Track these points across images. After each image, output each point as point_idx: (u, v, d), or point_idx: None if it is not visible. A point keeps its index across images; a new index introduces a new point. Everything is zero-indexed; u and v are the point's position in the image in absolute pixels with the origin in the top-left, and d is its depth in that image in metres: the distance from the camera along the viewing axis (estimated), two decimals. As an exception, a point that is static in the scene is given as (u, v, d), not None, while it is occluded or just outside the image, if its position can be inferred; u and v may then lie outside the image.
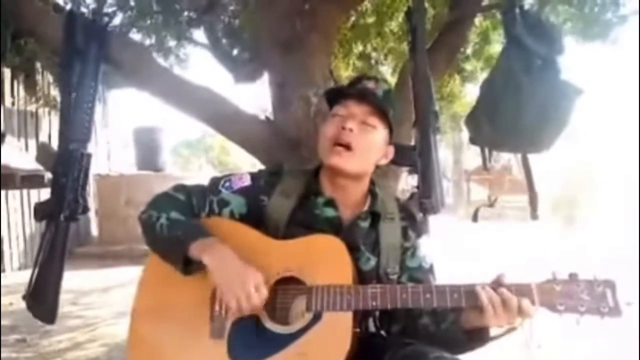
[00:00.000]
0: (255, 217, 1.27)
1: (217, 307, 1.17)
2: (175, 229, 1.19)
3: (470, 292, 1.09)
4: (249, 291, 1.09)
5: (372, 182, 1.33)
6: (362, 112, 1.25)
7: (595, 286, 1.06)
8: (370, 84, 1.28)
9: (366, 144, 1.24)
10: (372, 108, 1.25)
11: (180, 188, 1.31)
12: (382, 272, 1.26)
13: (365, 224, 1.27)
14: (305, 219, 1.25)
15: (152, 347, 1.20)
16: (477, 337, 1.13)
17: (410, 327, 1.24)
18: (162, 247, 1.22)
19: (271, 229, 1.25)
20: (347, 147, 1.22)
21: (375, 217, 1.29)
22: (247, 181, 1.31)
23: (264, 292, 1.11)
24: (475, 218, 2.30)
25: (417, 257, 1.31)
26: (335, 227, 1.25)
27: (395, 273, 1.27)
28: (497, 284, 1.08)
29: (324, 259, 1.17)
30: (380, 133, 1.27)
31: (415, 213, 1.35)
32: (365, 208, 1.30)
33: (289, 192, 1.28)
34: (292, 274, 1.17)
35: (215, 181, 1.32)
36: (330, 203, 1.27)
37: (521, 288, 1.07)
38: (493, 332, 1.14)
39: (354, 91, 1.28)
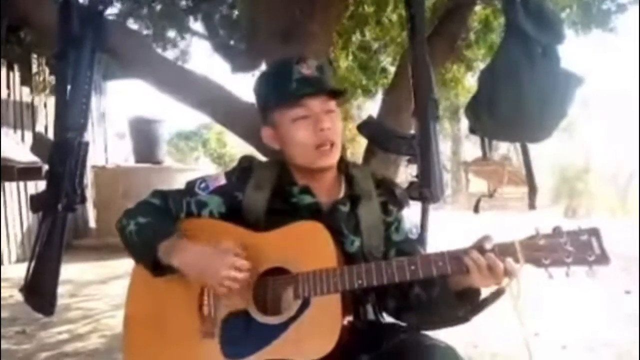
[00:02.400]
0: (235, 215, 1.27)
1: (205, 309, 1.17)
2: (142, 232, 1.19)
3: (454, 259, 1.07)
4: (229, 273, 1.09)
5: (345, 164, 1.32)
6: (320, 102, 1.22)
7: (580, 236, 1.03)
8: (305, 70, 1.23)
9: (339, 132, 1.25)
10: (327, 94, 1.23)
11: (156, 193, 1.31)
12: (367, 252, 1.25)
13: (345, 208, 1.27)
14: (284, 209, 1.25)
15: (146, 352, 1.21)
16: (468, 297, 1.12)
17: (404, 300, 1.23)
18: (134, 252, 1.23)
19: (251, 223, 1.25)
20: (332, 144, 1.22)
21: (354, 199, 1.28)
22: (222, 180, 1.30)
23: (245, 265, 1.11)
24: (476, 209, 2.29)
25: (402, 229, 1.30)
26: (314, 213, 1.24)
27: (380, 251, 1.26)
28: (480, 246, 1.07)
29: (307, 246, 1.17)
30: (338, 110, 1.27)
31: (393, 187, 1.33)
32: (342, 191, 1.30)
33: (262, 184, 1.27)
34: (278, 264, 1.17)
35: (191, 183, 1.32)
36: (306, 190, 1.26)
37: (504, 247, 1.06)
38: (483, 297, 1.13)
39: (305, 89, 1.22)
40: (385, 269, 1.10)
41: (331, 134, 1.21)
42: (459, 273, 1.08)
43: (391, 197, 1.31)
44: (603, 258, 1.02)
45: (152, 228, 1.20)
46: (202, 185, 1.30)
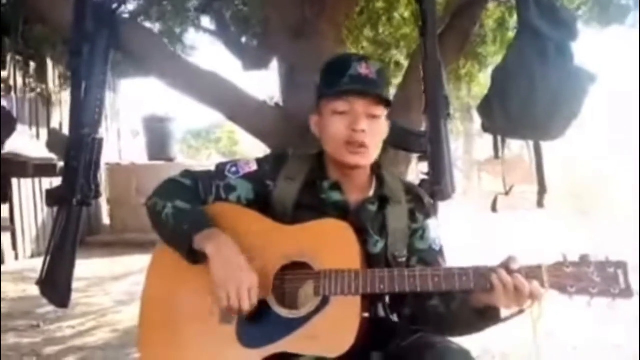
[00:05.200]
0: (262, 203, 1.27)
1: None
2: (180, 219, 1.18)
3: (479, 275, 1.07)
4: (241, 293, 1.09)
5: (378, 166, 1.31)
6: (365, 104, 1.20)
7: (607, 267, 1.03)
8: (364, 69, 1.20)
9: (377, 137, 1.24)
10: (374, 98, 1.22)
11: (186, 174, 1.31)
12: (390, 256, 1.25)
13: (373, 208, 1.27)
14: (312, 203, 1.25)
15: (162, 334, 1.21)
16: (488, 315, 1.12)
17: (420, 309, 1.23)
18: (168, 236, 1.23)
19: (279, 213, 1.25)
20: (362, 145, 1.21)
21: (383, 200, 1.28)
22: (253, 166, 1.30)
23: (255, 299, 1.10)
24: (494, 207, 2.27)
25: (427, 239, 1.30)
26: (342, 211, 1.24)
27: (403, 256, 1.26)
28: (507, 267, 1.07)
29: (331, 244, 1.17)
30: (383, 118, 1.25)
31: (422, 195, 1.34)
32: (372, 191, 1.29)
33: (294, 177, 1.27)
34: (300, 259, 1.17)
35: (221, 166, 1.31)
36: (336, 186, 1.26)
37: (531, 270, 1.06)
38: (502, 314, 1.12)
39: (353, 86, 1.20)
40: (409, 277, 1.10)
41: (364, 136, 1.19)
42: (482, 290, 1.08)
43: (419, 205, 1.31)
44: (627, 292, 1.02)
45: (189, 217, 1.18)
46: (233, 169, 1.29)
